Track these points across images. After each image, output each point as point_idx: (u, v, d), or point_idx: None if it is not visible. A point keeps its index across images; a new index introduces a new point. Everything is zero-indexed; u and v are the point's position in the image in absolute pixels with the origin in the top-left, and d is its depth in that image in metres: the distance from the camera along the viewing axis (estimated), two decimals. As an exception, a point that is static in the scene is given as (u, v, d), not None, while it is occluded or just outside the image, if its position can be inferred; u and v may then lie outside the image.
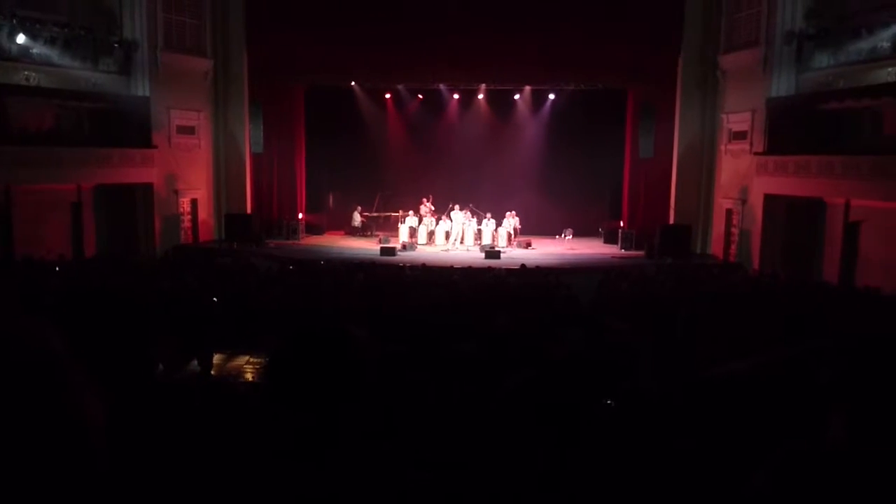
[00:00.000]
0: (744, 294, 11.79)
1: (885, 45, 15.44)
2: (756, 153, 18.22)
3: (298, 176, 23.49)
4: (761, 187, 17.84)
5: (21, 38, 17.51)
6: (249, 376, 6.03)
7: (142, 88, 19.76)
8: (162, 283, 9.96)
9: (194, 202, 21.76)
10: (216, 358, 6.34)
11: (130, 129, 19.21)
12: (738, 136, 19.79)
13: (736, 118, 19.90)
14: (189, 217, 21.65)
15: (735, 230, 19.89)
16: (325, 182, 24.26)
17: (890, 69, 15.27)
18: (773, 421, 3.09)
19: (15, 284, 9.53)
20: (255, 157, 22.65)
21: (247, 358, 6.41)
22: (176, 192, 21.07)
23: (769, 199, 17.80)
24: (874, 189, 14.36)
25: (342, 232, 23.75)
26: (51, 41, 18.07)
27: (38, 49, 17.89)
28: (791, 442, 2.50)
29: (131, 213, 19.48)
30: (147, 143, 19.54)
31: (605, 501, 2.23)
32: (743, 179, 19.11)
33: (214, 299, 8.78)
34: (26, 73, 17.81)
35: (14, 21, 17.29)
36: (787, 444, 2.44)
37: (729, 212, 20.21)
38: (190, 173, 21.60)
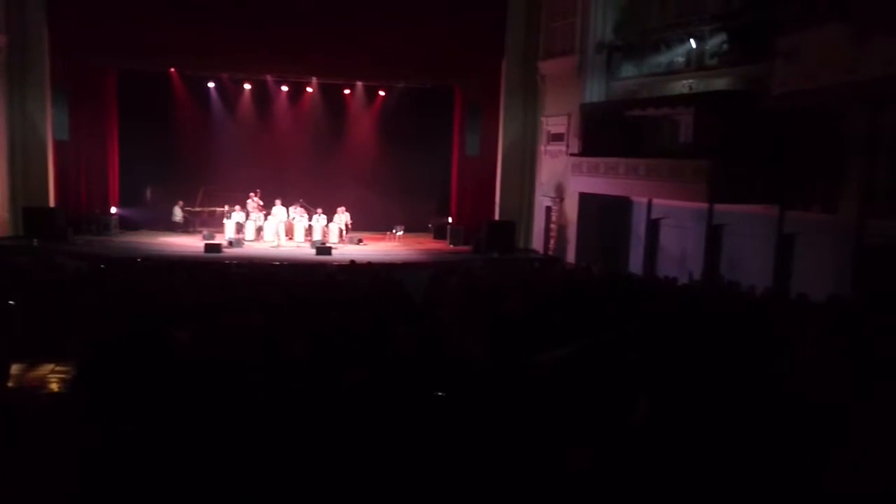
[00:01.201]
0: (561, 286, 12.60)
1: (680, 59, 17.18)
2: (571, 154, 19.50)
3: (111, 167, 21.66)
4: (576, 186, 19.13)
5: None
6: (55, 386, 5.50)
7: (-84, 63, 17.24)
8: (-56, 286, 8.80)
9: (-16, 194, 19.37)
10: (14, 368, 5.71)
11: None
12: (556, 137, 21.08)
13: (554, 121, 21.17)
14: (-22, 211, 19.23)
15: (554, 226, 21.18)
16: (142, 174, 22.55)
17: (684, 81, 17.01)
18: (591, 402, 3.34)
19: None
20: (59, 144, 20.59)
21: (51, 367, 5.84)
22: (-39, 183, 18.64)
23: (583, 198, 19.17)
24: (671, 189, 15.92)
25: (162, 228, 22.29)
26: None
27: None
28: (606, 421, 2.72)
29: None
30: (-77, 126, 17.09)
31: (443, 488, 2.30)
32: (560, 179, 20.38)
33: (11, 303, 7.91)
34: None
35: None
36: (602, 423, 2.66)
37: (548, 209, 21.49)
38: (-21, 162, 19.18)
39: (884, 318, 7.51)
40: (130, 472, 1.38)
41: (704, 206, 15.18)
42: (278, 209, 20.88)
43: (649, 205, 18.22)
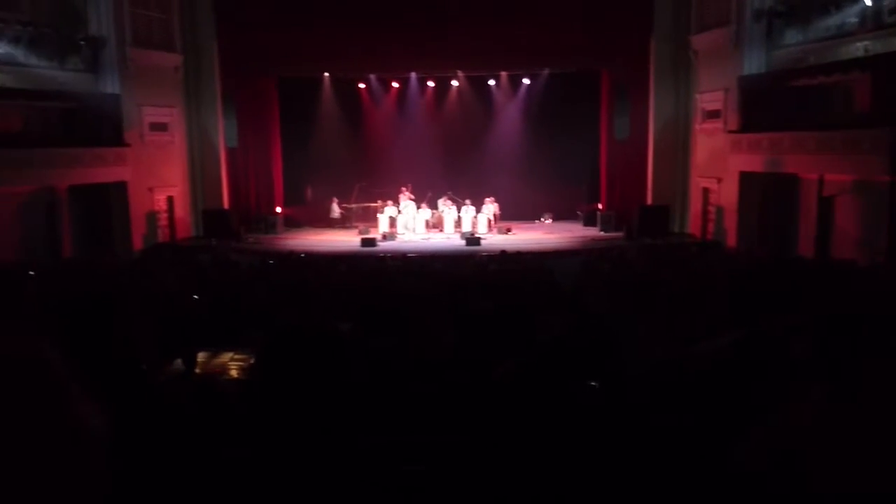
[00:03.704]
0: (721, 271, 11.94)
1: (853, 20, 15.61)
2: (730, 131, 18.40)
3: (275, 169, 23.31)
4: (736, 165, 18.03)
5: (-17, 39, 17.14)
6: (234, 373, 6.00)
7: (111, 86, 19.43)
8: (141, 283, 9.87)
9: (170, 199, 21.52)
10: (200, 356, 6.30)
11: (102, 127, 18.90)
12: (712, 115, 19.96)
13: (709, 97, 20.06)
14: (166, 214, 21.41)
15: (712, 209, 20.10)
16: (302, 174, 24.10)
17: (858, 44, 15.46)
18: (751, 395, 3.15)
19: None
20: (230, 151, 22.44)
21: (230, 354, 6.37)
22: (151, 190, 20.83)
23: (744, 177, 18.00)
24: (847, 163, 14.58)
25: (321, 224, 23.64)
26: (14, 40, 17.67)
27: (1, 49, 17.51)
28: (769, 415, 2.56)
29: (107, 212, 19.21)
30: (119, 141, 19.25)
31: (595, 481, 2.28)
32: (718, 158, 19.30)
33: (195, 297, 8.71)
34: (-9, 74, 17.45)
35: (-25, 21, 16.91)
36: (765, 417, 2.50)
37: (705, 190, 20.41)
38: (165, 170, 21.35)
39: None
40: (303, 453, 1.49)
41: (886, 179, 13.74)
42: (406, 203, 21.46)
43: (820, 181, 16.76)
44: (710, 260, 14.12)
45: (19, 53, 17.76)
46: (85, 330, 2.20)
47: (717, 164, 19.42)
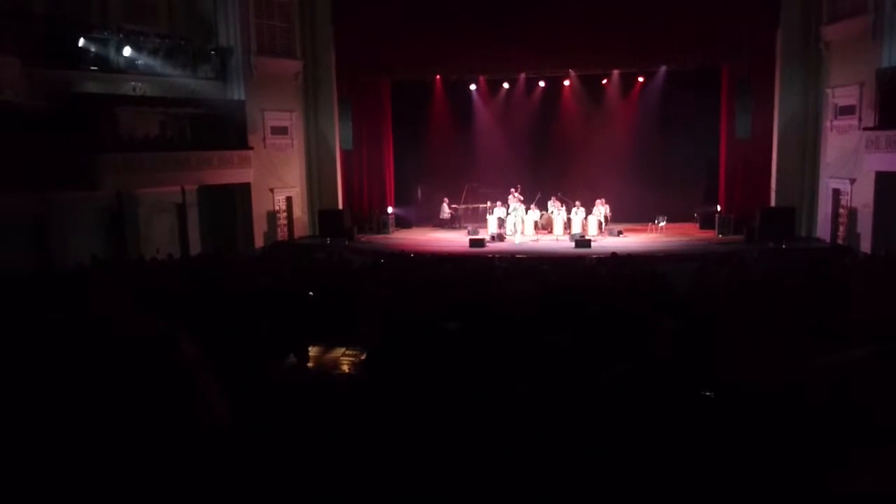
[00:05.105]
0: (856, 278, 11.12)
1: None
2: (866, 128, 17.12)
3: (387, 170, 23.89)
4: (872, 164, 16.75)
5: (127, 51, 18.60)
6: (346, 367, 6.18)
7: (237, 92, 20.59)
8: (262, 280, 10.38)
9: (289, 200, 22.54)
10: (313, 350, 6.54)
11: (228, 131, 20.09)
12: (845, 111, 18.65)
13: (842, 92, 18.75)
14: (284, 214, 22.45)
15: (843, 211, 18.79)
16: (413, 175, 24.55)
17: None
18: (888, 415, 2.90)
19: (130, 284, 10.16)
20: (345, 153, 23.19)
21: (343, 350, 6.58)
22: (272, 191, 21.89)
23: (882, 177, 16.70)
24: None
25: (431, 224, 23.96)
26: (154, 52, 19.10)
27: (142, 60, 18.95)
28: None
29: (231, 212, 20.41)
30: (244, 144, 20.37)
31: (706, 492, 2.17)
32: (851, 157, 18.00)
33: (311, 293, 9.07)
34: (133, 83, 18.92)
35: (120, 35, 18.38)
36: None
37: (836, 192, 19.10)
38: (284, 172, 22.37)
39: None
40: (411, 450, 1.51)
41: None
42: (514, 204, 21.34)
43: (971, 182, 15.30)
44: (842, 266, 13.19)
45: (157, 64, 19.17)
46: (212, 320, 2.33)
47: (850, 164, 18.11)
